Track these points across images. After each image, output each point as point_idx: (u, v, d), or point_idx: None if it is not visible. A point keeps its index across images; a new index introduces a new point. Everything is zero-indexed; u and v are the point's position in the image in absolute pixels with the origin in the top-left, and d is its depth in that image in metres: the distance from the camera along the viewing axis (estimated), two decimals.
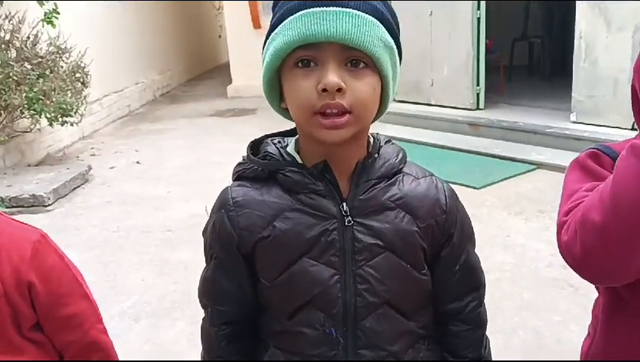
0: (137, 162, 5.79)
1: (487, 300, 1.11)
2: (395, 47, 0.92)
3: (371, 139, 1.02)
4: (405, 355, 1.02)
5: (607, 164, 0.97)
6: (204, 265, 1.07)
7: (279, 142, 1.02)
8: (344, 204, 0.95)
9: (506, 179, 4.61)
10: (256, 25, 9.15)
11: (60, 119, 5.33)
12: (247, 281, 1.02)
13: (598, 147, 1.01)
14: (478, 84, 6.21)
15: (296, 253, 0.96)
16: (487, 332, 1.12)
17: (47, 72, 5.24)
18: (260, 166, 0.98)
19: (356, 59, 0.88)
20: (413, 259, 0.99)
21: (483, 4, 6.02)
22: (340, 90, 0.87)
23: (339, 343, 0.97)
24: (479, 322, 1.09)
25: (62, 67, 5.51)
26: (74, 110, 5.43)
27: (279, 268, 0.97)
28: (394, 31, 0.92)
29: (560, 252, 0.94)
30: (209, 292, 1.06)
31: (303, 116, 0.91)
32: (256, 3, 9.05)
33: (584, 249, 0.87)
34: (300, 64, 0.89)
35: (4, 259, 1.04)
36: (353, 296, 0.96)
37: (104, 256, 3.66)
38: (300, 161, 0.98)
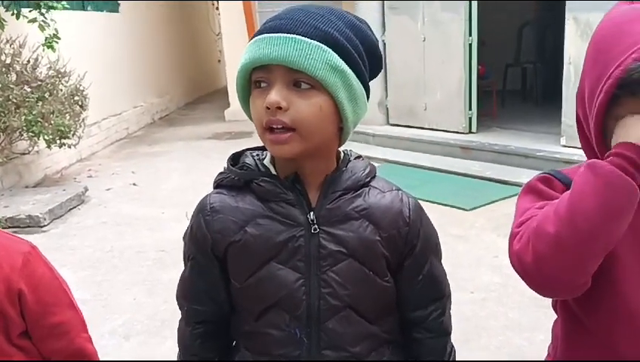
0: (134, 184, 5.85)
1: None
2: (349, 70, 0.97)
3: (342, 155, 1.09)
4: (368, 357, 1.07)
5: (558, 187, 1.02)
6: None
7: (257, 154, 1.09)
8: (311, 213, 1.02)
9: (496, 201, 4.66)
10: None
11: (58, 141, 5.41)
12: (220, 282, 1.09)
13: (549, 172, 1.06)
14: (470, 109, 6.32)
15: (264, 257, 1.02)
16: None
17: (47, 95, 5.33)
18: (236, 175, 1.06)
19: (300, 80, 0.95)
20: (376, 266, 1.05)
21: (475, 30, 6.15)
22: (280, 108, 0.94)
23: (303, 343, 1.03)
24: (442, 330, 1.14)
25: (61, 90, 5.60)
26: (72, 132, 5.51)
27: (249, 270, 1.04)
28: (351, 56, 0.98)
29: (510, 259, 0.98)
30: (186, 291, 1.13)
31: (258, 132, 1.00)
32: (254, 29, 9.20)
33: (535, 257, 0.91)
34: (257, 85, 0.98)
35: None
36: (317, 298, 1.02)
37: (97, 275, 3.70)
38: (274, 172, 1.05)
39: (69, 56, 5.84)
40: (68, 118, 5.50)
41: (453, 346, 1.16)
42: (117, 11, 8.84)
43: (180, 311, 1.16)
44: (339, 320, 1.04)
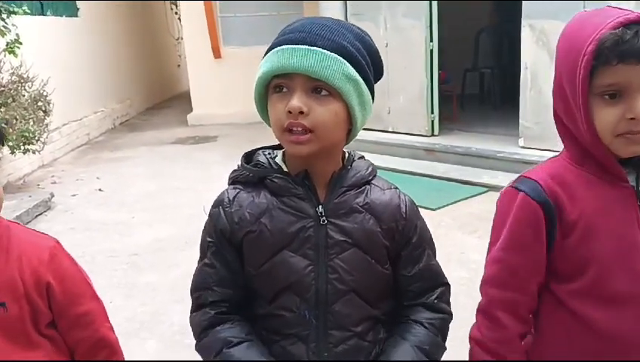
0: (99, 189, 5.81)
1: None
2: (360, 79, 1.09)
3: (347, 155, 1.20)
4: (367, 336, 1.18)
5: (533, 208, 1.11)
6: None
7: (269, 153, 1.20)
8: (320, 207, 1.13)
9: (460, 200, 4.84)
10: (217, 55, 9.32)
11: (22, 147, 5.34)
12: (237, 268, 1.18)
13: (525, 190, 1.13)
14: (432, 112, 6.50)
15: (278, 245, 1.13)
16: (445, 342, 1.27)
17: (10, 101, 5.26)
18: (251, 172, 1.16)
19: (319, 87, 1.06)
20: (377, 254, 1.17)
21: (435, 36, 6.34)
22: (301, 112, 1.05)
23: (312, 324, 1.14)
24: (442, 310, 1.25)
25: (24, 96, 5.53)
26: (36, 138, 5.44)
27: (263, 258, 1.14)
28: (362, 67, 1.10)
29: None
30: (206, 275, 1.19)
31: (277, 132, 1.11)
32: (216, 33, 9.22)
33: None
34: (277, 90, 1.09)
35: (24, 263, 1.17)
36: (325, 283, 1.13)
37: None
38: (285, 169, 1.16)
39: (32, 62, 5.76)
40: (32, 123, 5.42)
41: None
42: (76, 16, 8.74)
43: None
44: (344, 303, 1.14)
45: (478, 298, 3.68)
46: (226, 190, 1.19)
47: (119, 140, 8.59)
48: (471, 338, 1.22)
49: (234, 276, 1.18)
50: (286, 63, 1.05)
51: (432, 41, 6.33)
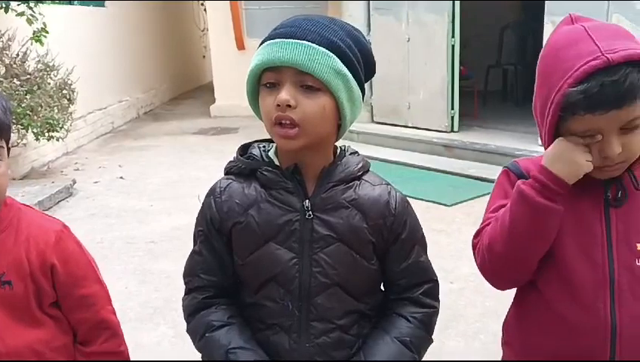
0: (121, 177, 5.92)
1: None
2: (350, 75, 1.11)
3: (338, 150, 1.22)
4: (351, 329, 1.20)
5: (513, 180, 1.21)
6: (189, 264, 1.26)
7: (264, 146, 1.23)
8: (307, 201, 1.16)
9: (476, 197, 4.82)
10: (240, 46, 9.38)
11: (47, 134, 5.46)
12: (225, 257, 1.22)
13: (507, 166, 1.26)
14: (452, 108, 6.48)
15: (264, 237, 1.16)
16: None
17: (35, 88, 5.38)
18: (243, 164, 1.19)
19: (308, 81, 1.08)
20: (362, 250, 1.19)
21: (457, 32, 6.31)
22: (289, 105, 1.07)
23: (294, 315, 1.17)
24: (428, 304, 1.24)
25: (49, 83, 5.65)
26: (60, 125, 5.56)
27: (250, 249, 1.17)
28: (351, 62, 1.11)
29: (478, 267, 1.23)
30: (195, 263, 1.24)
31: (267, 126, 1.13)
32: (240, 26, 9.28)
33: (493, 273, 1.21)
34: (267, 84, 1.11)
35: (31, 244, 1.23)
36: (308, 276, 1.16)
37: None
38: (277, 163, 1.18)
39: (57, 51, 5.88)
40: (56, 111, 5.54)
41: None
42: (103, 5, 8.87)
43: (182, 290, 1.27)
44: (327, 296, 1.17)
45: (487, 295, 3.69)
46: (220, 180, 1.22)
47: (143, 129, 8.72)
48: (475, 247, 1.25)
49: (221, 264, 1.21)
50: (275, 56, 1.07)
51: (453, 36, 6.30)
